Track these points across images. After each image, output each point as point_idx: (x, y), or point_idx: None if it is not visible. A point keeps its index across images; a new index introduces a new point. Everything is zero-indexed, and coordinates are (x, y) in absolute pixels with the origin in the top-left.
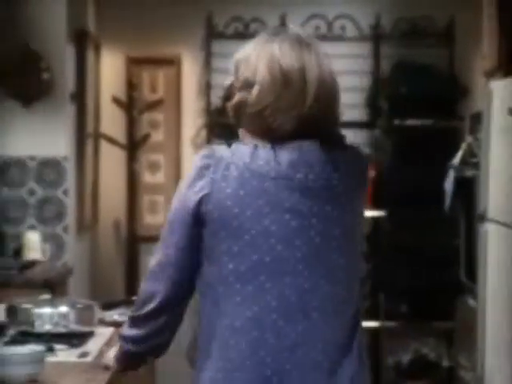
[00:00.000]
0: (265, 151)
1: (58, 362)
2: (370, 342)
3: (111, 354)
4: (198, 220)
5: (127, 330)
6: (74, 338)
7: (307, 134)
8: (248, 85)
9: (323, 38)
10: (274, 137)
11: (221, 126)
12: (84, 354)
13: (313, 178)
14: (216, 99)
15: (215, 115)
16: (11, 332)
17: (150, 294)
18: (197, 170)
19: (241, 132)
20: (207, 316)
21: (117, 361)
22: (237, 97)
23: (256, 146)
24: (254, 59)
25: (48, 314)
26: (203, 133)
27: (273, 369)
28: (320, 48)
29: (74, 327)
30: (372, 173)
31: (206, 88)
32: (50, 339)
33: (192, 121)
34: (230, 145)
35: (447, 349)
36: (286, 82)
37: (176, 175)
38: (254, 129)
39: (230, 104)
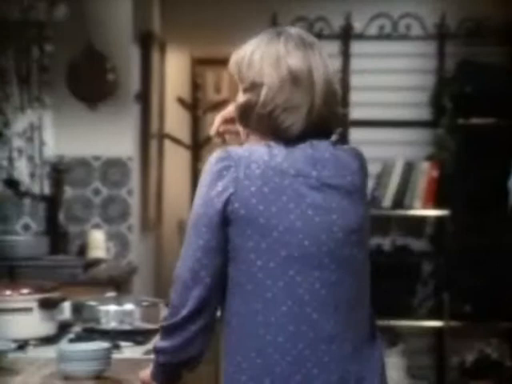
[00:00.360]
0: (279, 149)
1: (124, 358)
2: (434, 341)
3: (147, 370)
4: (224, 220)
5: (159, 342)
6: (139, 336)
7: (315, 134)
8: (255, 86)
9: (388, 37)
10: (283, 137)
11: None
12: (149, 351)
13: (328, 175)
14: None
15: None
16: (77, 329)
17: (182, 303)
18: (216, 171)
19: (245, 133)
20: (237, 315)
21: (152, 375)
22: (243, 98)
23: (269, 145)
24: (258, 60)
25: (113, 311)
26: None
27: (313, 361)
28: (322, 47)
29: (139, 324)
30: (435, 172)
31: None
32: (115, 336)
33: None
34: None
35: (511, 349)
36: (295, 81)
37: None
38: (262, 130)
39: (236, 105)
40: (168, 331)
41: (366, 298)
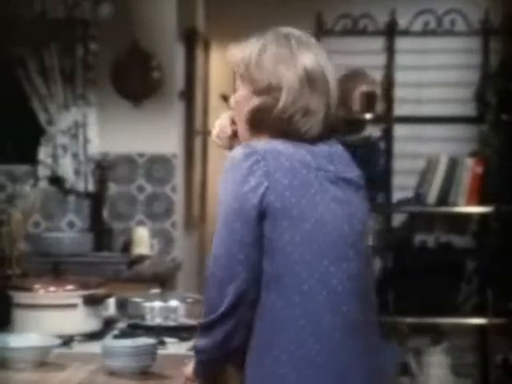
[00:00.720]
0: (298, 144)
1: (168, 354)
2: (478, 339)
3: (191, 366)
4: (260, 214)
5: (199, 341)
6: (184, 332)
7: (326, 134)
8: (272, 89)
9: (432, 33)
10: (299, 139)
11: None
12: (193, 348)
13: (342, 170)
14: None
15: None
16: (121, 325)
17: (220, 299)
18: (246, 167)
19: (249, 133)
20: (271, 310)
21: (194, 372)
22: (256, 101)
23: (285, 143)
24: (270, 61)
25: (158, 307)
26: None
27: (348, 351)
28: (322, 47)
29: (184, 321)
30: (480, 168)
31: None
32: (159, 332)
33: None
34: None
35: None
36: (312, 83)
37: None
38: (276, 132)
39: (249, 109)
40: (207, 329)
41: (373, 292)
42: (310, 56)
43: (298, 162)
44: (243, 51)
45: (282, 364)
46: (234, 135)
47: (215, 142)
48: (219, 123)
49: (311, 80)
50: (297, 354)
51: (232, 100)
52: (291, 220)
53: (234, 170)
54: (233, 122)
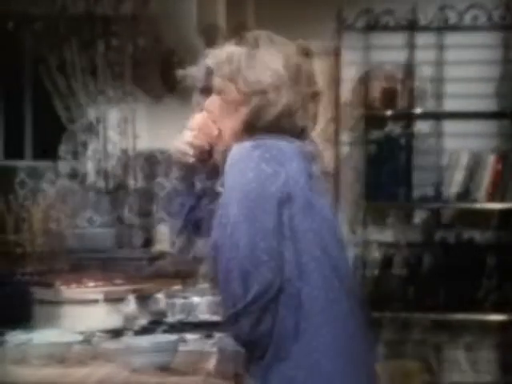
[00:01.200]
0: (288, 140)
1: (190, 351)
2: (499, 335)
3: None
4: (279, 201)
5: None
6: (205, 328)
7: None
8: (269, 88)
9: (453, 28)
10: (291, 135)
11: (350, 118)
12: (215, 344)
13: (321, 167)
14: (346, 92)
15: (345, 108)
16: (143, 322)
17: (245, 288)
18: (257, 156)
19: (243, 136)
20: (296, 297)
21: (220, 367)
22: (256, 101)
23: (279, 139)
24: (262, 62)
25: (180, 304)
26: (331, 126)
27: (362, 336)
28: None
29: (205, 317)
30: (501, 164)
31: (336, 80)
32: (181, 329)
33: (321, 114)
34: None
35: None
36: (301, 79)
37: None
38: (275, 130)
39: (247, 110)
40: (232, 322)
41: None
42: (291, 55)
43: (304, 156)
44: (229, 53)
45: (312, 350)
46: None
47: (180, 153)
48: (186, 134)
49: (298, 75)
50: (325, 341)
51: (211, 103)
52: (308, 208)
53: (244, 161)
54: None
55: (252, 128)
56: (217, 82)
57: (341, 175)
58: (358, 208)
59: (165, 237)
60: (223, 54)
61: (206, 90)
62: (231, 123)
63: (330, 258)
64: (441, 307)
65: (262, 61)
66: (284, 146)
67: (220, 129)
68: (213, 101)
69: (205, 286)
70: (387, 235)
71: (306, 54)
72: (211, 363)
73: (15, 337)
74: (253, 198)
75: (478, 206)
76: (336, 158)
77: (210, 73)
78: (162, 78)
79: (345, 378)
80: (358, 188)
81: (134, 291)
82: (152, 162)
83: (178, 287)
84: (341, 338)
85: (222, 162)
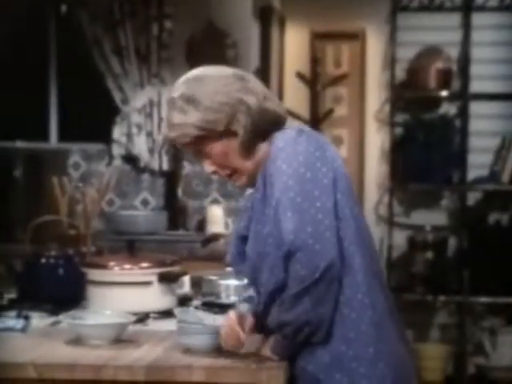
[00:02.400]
0: None
1: None
2: None
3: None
4: (332, 182)
5: (282, 315)
6: None
7: None
8: (235, 109)
9: (508, 8)
10: (282, 126)
11: (405, 99)
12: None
13: None
14: (401, 73)
15: (399, 89)
16: (196, 303)
17: (312, 267)
18: (302, 140)
19: (251, 157)
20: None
21: (273, 349)
22: (238, 127)
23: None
24: (208, 99)
25: (233, 285)
26: (387, 107)
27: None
28: None
29: None
30: None
31: (391, 61)
32: None
33: (376, 95)
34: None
35: None
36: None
37: (359, 150)
38: (273, 127)
39: (239, 140)
40: (297, 298)
41: None
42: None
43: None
44: (181, 120)
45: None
46: (234, 173)
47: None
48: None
49: (240, 78)
50: (368, 327)
51: (210, 164)
52: (348, 191)
53: (291, 146)
54: None
55: (253, 148)
56: (186, 137)
57: (391, 157)
58: (407, 191)
59: (218, 219)
60: (180, 126)
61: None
62: (238, 161)
63: (365, 242)
64: (494, 291)
65: (207, 98)
66: (315, 132)
67: (233, 166)
68: (206, 160)
69: None
70: (440, 218)
71: (302, 77)
72: (265, 343)
73: (69, 317)
74: (309, 179)
75: None
76: (390, 140)
77: (175, 139)
78: (215, 59)
79: (389, 358)
80: (407, 170)
81: (188, 273)
82: None
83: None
84: (382, 322)
85: (253, 180)
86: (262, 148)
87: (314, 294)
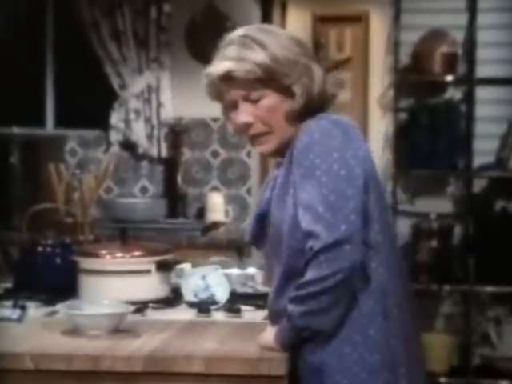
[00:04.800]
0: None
1: (243, 322)
2: None
3: (270, 335)
4: (364, 181)
5: (297, 307)
6: (261, 299)
7: None
8: (303, 72)
9: None
10: (329, 108)
11: (409, 84)
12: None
13: None
14: (405, 57)
15: (404, 73)
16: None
17: (338, 267)
18: (337, 133)
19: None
20: (375, 279)
21: (281, 340)
22: (298, 90)
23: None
24: (284, 51)
25: (236, 274)
26: (391, 92)
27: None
28: None
29: (261, 288)
30: None
31: (395, 45)
32: (236, 300)
33: (379, 80)
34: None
35: None
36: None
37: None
38: (318, 110)
39: (297, 102)
40: (314, 295)
41: None
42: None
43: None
44: (248, 56)
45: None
46: (265, 134)
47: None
48: None
49: (307, 48)
50: (399, 317)
51: (250, 113)
52: (378, 188)
53: (327, 138)
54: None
55: (301, 117)
56: (245, 72)
57: (395, 143)
58: (411, 177)
59: (218, 207)
60: (246, 60)
61: (230, 104)
62: (281, 123)
63: (385, 247)
64: (500, 279)
65: (283, 50)
66: (352, 123)
67: (274, 126)
68: (248, 107)
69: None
70: (445, 206)
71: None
72: (270, 334)
73: (66, 307)
74: (343, 178)
75: None
76: (394, 126)
77: (230, 76)
78: (215, 43)
79: (395, 369)
80: (411, 157)
81: (185, 261)
82: (206, 129)
83: (232, 257)
84: (392, 332)
85: (279, 150)
86: (304, 125)
87: (332, 295)
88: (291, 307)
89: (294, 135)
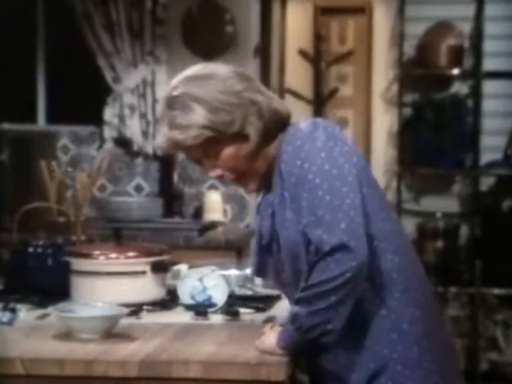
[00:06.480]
0: None
1: (242, 326)
2: None
3: (271, 339)
4: (356, 177)
5: (309, 307)
6: (260, 302)
7: None
8: (244, 107)
9: None
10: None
11: (414, 78)
12: (270, 319)
13: None
14: (409, 50)
15: (408, 67)
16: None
17: (345, 266)
18: (319, 134)
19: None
20: (382, 274)
21: (283, 342)
22: (250, 130)
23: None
24: (216, 99)
25: (234, 276)
26: (395, 86)
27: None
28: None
29: (261, 290)
30: None
31: (399, 38)
32: (234, 302)
33: (383, 73)
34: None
35: None
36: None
37: (365, 132)
38: (281, 127)
39: (258, 126)
40: (323, 295)
41: None
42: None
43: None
44: (188, 121)
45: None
46: (241, 177)
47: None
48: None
49: (245, 77)
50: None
51: (217, 168)
52: (374, 181)
53: (310, 141)
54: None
55: (263, 146)
56: (193, 139)
57: (399, 139)
58: (416, 175)
59: (216, 206)
60: (187, 128)
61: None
62: (249, 163)
63: (396, 236)
64: (508, 281)
65: (216, 97)
66: (328, 121)
67: (244, 170)
68: (211, 162)
69: None
70: (451, 205)
71: (304, 55)
72: (271, 338)
73: (58, 309)
74: (336, 176)
75: None
76: (399, 122)
77: (177, 144)
78: (213, 36)
79: (433, 355)
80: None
81: (181, 262)
82: None
83: (230, 258)
84: (423, 318)
85: (262, 183)
86: (272, 148)
87: (340, 293)
88: (297, 308)
89: (271, 158)
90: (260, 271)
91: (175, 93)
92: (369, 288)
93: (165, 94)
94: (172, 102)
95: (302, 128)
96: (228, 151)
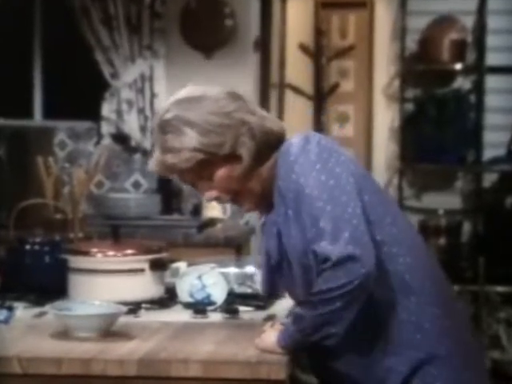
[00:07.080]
0: None
1: (241, 324)
2: None
3: (271, 338)
4: (355, 185)
5: (305, 311)
6: (260, 300)
7: None
8: (234, 129)
9: None
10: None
11: (416, 73)
12: (270, 317)
13: None
14: (411, 44)
15: (410, 62)
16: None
17: (353, 274)
18: (312, 147)
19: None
20: (394, 276)
21: (284, 343)
22: (241, 150)
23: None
24: (207, 121)
25: (233, 273)
26: (396, 81)
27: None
28: None
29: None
30: None
31: (401, 32)
32: (234, 300)
33: (385, 68)
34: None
35: None
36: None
37: (366, 128)
38: (274, 147)
39: (250, 147)
40: (329, 301)
41: None
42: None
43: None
44: (180, 144)
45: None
46: (237, 197)
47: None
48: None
49: (235, 97)
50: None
51: (211, 190)
52: (376, 187)
53: (303, 155)
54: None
55: (257, 167)
56: (185, 162)
57: (401, 135)
58: (418, 171)
59: (215, 203)
60: (180, 150)
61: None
62: (244, 184)
63: (407, 238)
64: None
65: (206, 119)
66: (319, 134)
67: (238, 190)
68: (205, 185)
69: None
70: (453, 202)
71: (305, 49)
72: (271, 336)
73: (55, 308)
74: (334, 186)
75: None
76: (400, 117)
77: (173, 168)
78: (212, 30)
79: (459, 351)
80: (418, 150)
81: (180, 260)
82: None
83: (230, 255)
84: (445, 315)
85: (259, 202)
86: (266, 168)
87: (346, 299)
88: (301, 310)
89: (265, 178)
90: (271, 290)
91: (167, 116)
92: (385, 293)
93: (157, 118)
94: (164, 126)
95: (294, 143)
96: (221, 172)
